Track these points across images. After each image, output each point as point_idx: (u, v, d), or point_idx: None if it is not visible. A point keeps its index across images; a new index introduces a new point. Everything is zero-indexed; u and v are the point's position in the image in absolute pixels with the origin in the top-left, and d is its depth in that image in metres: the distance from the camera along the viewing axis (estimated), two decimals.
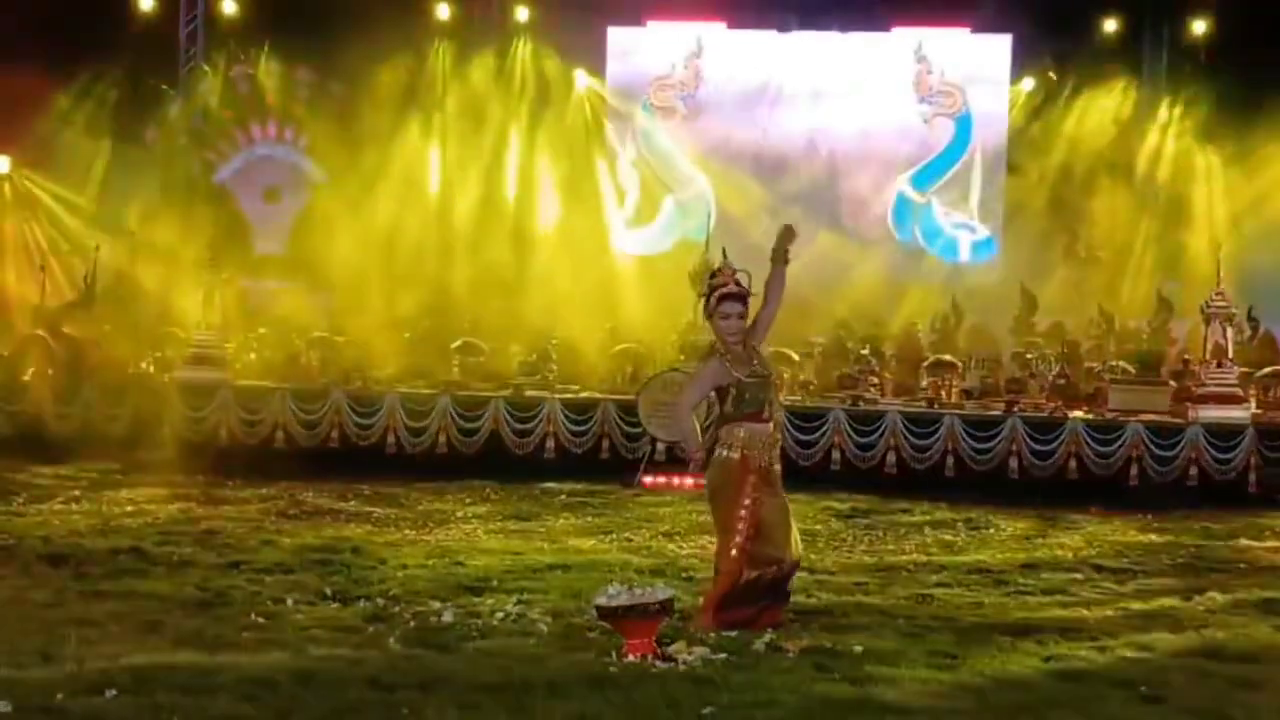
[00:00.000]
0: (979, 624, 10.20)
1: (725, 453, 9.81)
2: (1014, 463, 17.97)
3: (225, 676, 8.07)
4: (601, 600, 8.95)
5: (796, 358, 20.46)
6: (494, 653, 8.88)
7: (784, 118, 27.52)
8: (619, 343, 20.89)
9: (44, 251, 24.51)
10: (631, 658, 8.66)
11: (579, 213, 26.67)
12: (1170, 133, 26.44)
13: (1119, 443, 17.86)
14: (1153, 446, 17.79)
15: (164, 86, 27.45)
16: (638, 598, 8.86)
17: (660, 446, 17.48)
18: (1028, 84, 26.96)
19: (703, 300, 9.99)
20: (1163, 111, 26.51)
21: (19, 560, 11.70)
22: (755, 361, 9.92)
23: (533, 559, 12.42)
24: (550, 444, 18.67)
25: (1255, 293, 21.44)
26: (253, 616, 9.77)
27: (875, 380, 19.91)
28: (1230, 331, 18.58)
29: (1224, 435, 17.75)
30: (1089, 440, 17.91)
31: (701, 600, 9.96)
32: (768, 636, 9.33)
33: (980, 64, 27.21)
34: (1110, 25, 26.21)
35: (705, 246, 19.46)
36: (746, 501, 9.70)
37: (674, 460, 17.04)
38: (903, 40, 27.18)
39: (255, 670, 8.22)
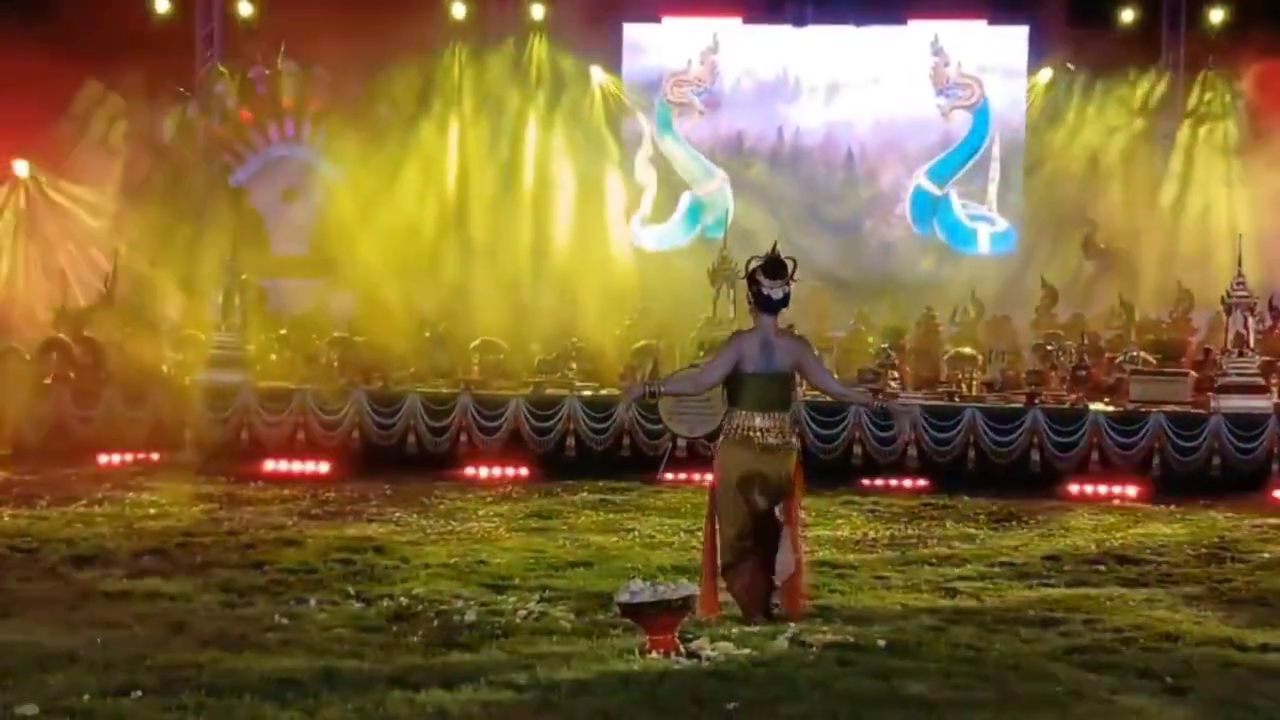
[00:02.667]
0: (1002, 616, 10.19)
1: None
2: (1035, 455, 17.94)
3: (250, 677, 8.08)
4: (624, 597, 8.93)
5: (816, 352, 20.36)
6: (517, 650, 8.89)
7: (801, 112, 27.51)
8: (638, 339, 20.87)
9: (64, 255, 24.56)
10: (655, 654, 8.65)
11: (597, 210, 26.68)
12: (1189, 122, 26.41)
13: (1141, 434, 17.82)
14: (1175, 437, 17.75)
15: (181, 89, 27.50)
16: (660, 594, 8.85)
17: (681, 443, 17.48)
18: (1045, 75, 26.92)
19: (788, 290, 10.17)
20: (1181, 100, 26.47)
21: (43, 563, 11.75)
22: None
23: (555, 556, 12.43)
24: (570, 441, 18.68)
25: (1276, 281, 21.39)
26: (276, 617, 9.78)
27: (895, 374, 19.88)
28: (1251, 321, 18.53)
29: (1246, 425, 17.70)
30: (1111, 431, 17.87)
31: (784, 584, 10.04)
32: (791, 631, 9.33)
33: (997, 56, 27.19)
34: (1127, 15, 26.14)
35: (723, 243, 19.46)
36: None
37: (695, 457, 17.06)
38: (919, 33, 27.16)
39: (279, 670, 8.23)
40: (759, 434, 9.90)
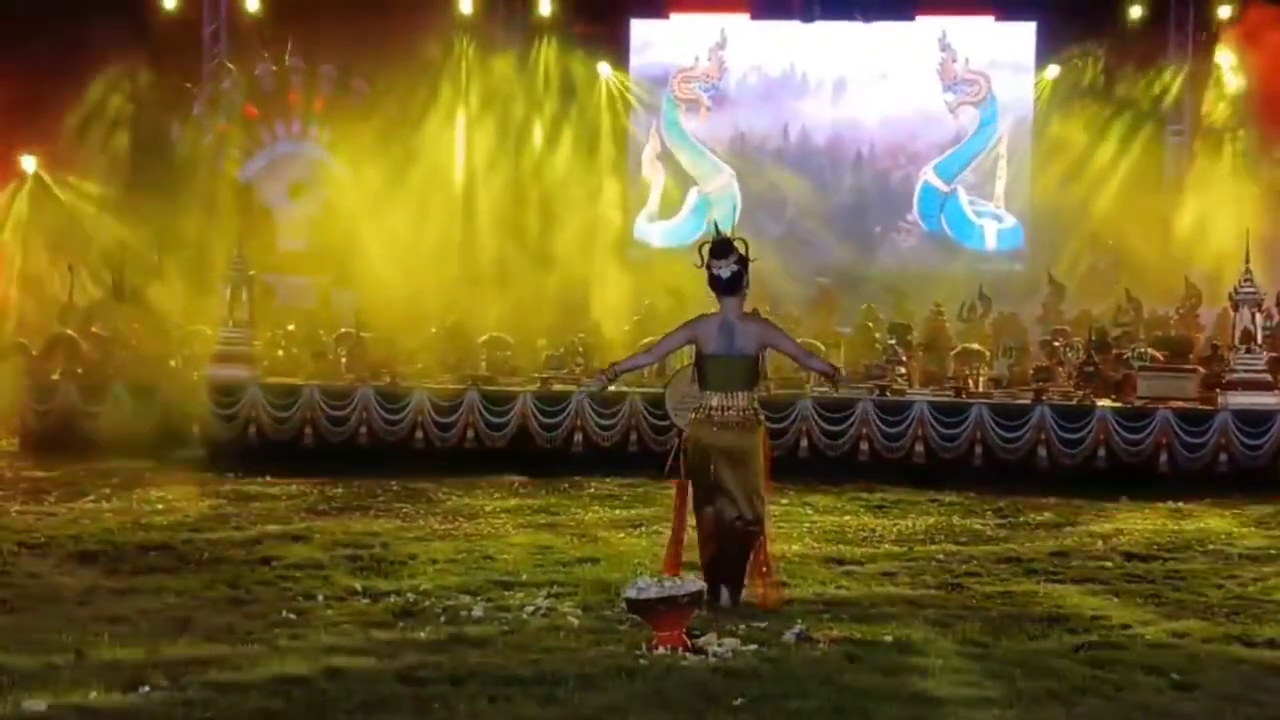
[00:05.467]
0: (1009, 613, 10.19)
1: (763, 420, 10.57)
2: (1042, 451, 17.91)
3: (257, 672, 8.10)
4: (631, 592, 8.95)
5: (824, 348, 20.42)
6: (524, 646, 8.90)
7: (808, 108, 27.54)
8: (645, 335, 20.84)
9: (71, 250, 24.57)
10: (662, 650, 8.66)
11: (604, 205, 26.68)
12: (1197, 116, 26.38)
13: (1148, 430, 17.79)
14: (1182, 433, 17.71)
15: (188, 84, 27.52)
16: (667, 590, 8.87)
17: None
18: (1053, 71, 26.91)
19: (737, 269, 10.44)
20: (1189, 96, 26.45)
21: (51, 558, 11.76)
22: None
23: (562, 552, 12.43)
24: (578, 437, 18.67)
25: None
26: (283, 613, 9.80)
27: (903, 370, 19.87)
28: (1259, 317, 18.50)
29: (1253, 421, 17.66)
30: (1118, 428, 17.85)
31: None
32: (797, 627, 9.34)
33: (1005, 51, 27.26)
34: (1136, 11, 26.13)
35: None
36: None
37: None
38: (927, 29, 27.20)
39: (286, 666, 8.25)
40: (718, 412, 10.28)
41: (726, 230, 10.81)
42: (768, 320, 10.73)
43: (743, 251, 10.38)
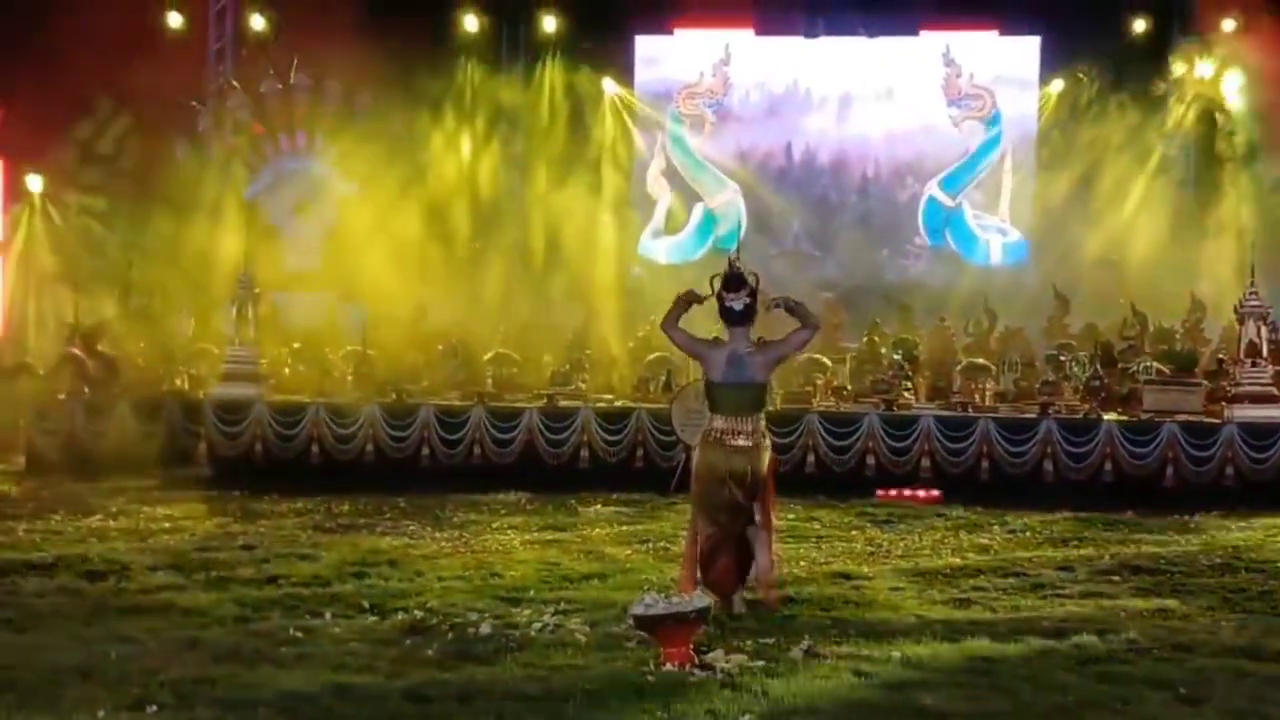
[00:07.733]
0: (1016, 627, 10.19)
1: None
2: (1049, 465, 17.90)
3: (264, 691, 8.12)
4: (638, 609, 8.96)
5: (830, 363, 20.42)
6: (532, 663, 8.92)
7: (813, 123, 27.55)
8: (651, 351, 20.85)
9: (78, 269, 24.58)
10: (669, 666, 8.68)
11: (609, 221, 26.67)
12: (1202, 131, 26.36)
13: (1154, 444, 17.76)
14: (1188, 447, 17.68)
15: (193, 102, 27.56)
16: (674, 606, 8.88)
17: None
18: (1057, 85, 26.90)
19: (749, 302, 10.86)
20: (1193, 110, 26.43)
21: (58, 577, 11.77)
22: None
23: (569, 569, 12.44)
24: (584, 454, 18.66)
25: None
26: (291, 630, 9.81)
27: (909, 385, 19.86)
28: (1264, 330, 18.46)
29: (1260, 434, 17.62)
30: (1124, 442, 17.83)
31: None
32: (805, 643, 9.35)
33: (1009, 66, 27.22)
34: (1139, 25, 26.12)
35: (736, 254, 19.47)
36: None
37: None
38: (931, 44, 27.17)
39: (294, 684, 8.27)
40: (729, 436, 10.63)
41: (733, 249, 11.01)
42: (769, 342, 11.03)
43: (753, 284, 10.78)
